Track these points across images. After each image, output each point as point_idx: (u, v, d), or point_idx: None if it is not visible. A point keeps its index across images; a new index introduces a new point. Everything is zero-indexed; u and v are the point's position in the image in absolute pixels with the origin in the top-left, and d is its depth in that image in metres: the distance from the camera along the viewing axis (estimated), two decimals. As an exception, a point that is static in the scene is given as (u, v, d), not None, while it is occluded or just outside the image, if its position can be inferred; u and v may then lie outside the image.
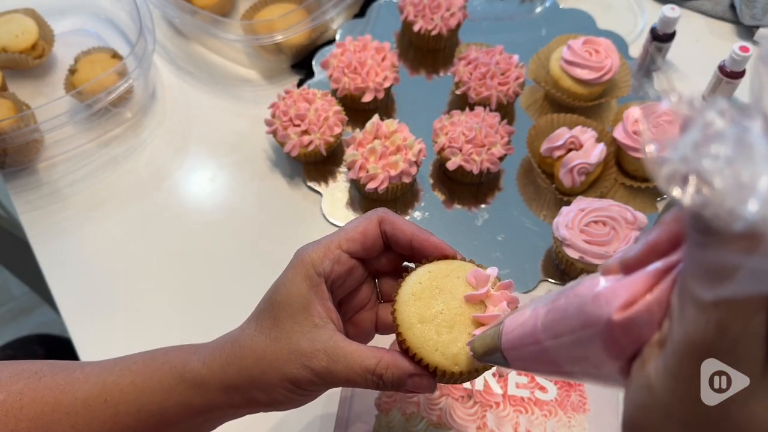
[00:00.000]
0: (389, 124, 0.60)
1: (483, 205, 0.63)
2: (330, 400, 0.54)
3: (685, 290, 0.19)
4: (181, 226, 0.63)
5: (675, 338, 0.20)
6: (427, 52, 0.72)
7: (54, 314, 0.59)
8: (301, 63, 0.72)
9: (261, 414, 0.53)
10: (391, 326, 0.37)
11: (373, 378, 0.35)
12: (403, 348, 0.35)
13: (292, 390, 0.36)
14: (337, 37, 0.74)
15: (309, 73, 0.71)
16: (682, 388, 0.20)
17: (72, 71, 0.68)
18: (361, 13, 0.76)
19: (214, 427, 0.39)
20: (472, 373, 0.35)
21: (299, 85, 0.70)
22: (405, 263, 0.40)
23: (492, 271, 0.36)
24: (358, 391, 0.53)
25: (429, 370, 0.35)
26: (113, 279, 0.60)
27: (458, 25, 0.70)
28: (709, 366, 0.19)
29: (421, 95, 0.70)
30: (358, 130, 0.62)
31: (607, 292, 0.23)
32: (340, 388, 0.53)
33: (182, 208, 0.64)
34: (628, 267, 0.23)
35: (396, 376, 0.35)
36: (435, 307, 0.35)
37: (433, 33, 0.68)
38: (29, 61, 0.69)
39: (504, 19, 0.76)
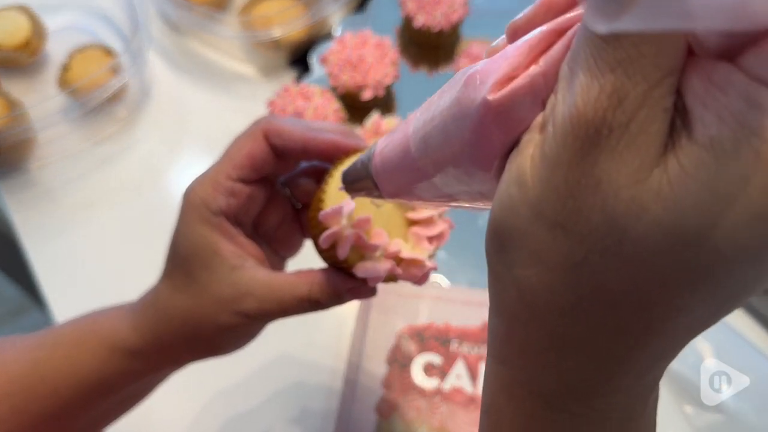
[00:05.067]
0: (390, 122, 0.59)
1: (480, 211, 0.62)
2: (329, 405, 0.53)
3: (579, 51, 0.15)
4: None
5: (559, 114, 0.15)
6: (428, 48, 0.71)
7: (46, 317, 0.58)
8: (299, 59, 0.71)
9: (258, 418, 0.53)
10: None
11: (310, 304, 0.33)
12: (342, 265, 0.33)
13: (230, 336, 0.34)
14: (337, 32, 0.72)
15: (307, 69, 0.70)
16: (560, 177, 0.15)
17: (65, 68, 0.67)
18: (360, 8, 0.74)
19: (163, 380, 0.39)
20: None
21: (297, 81, 0.69)
22: (305, 163, 0.37)
23: None
24: (358, 396, 0.52)
25: None
26: (108, 280, 0.59)
27: (460, 21, 0.68)
28: (592, 144, 0.15)
29: (423, 92, 0.68)
30: (357, 127, 0.60)
31: (483, 68, 0.18)
32: (340, 392, 0.52)
33: (178, 207, 0.63)
34: (516, 33, 0.18)
35: (332, 296, 0.33)
36: (365, 213, 0.32)
37: (435, 29, 0.67)
38: (22, 59, 0.67)
39: (507, 15, 0.75)
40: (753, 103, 0.13)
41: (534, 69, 0.17)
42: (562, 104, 0.15)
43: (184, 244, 0.34)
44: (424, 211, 0.33)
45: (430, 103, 0.21)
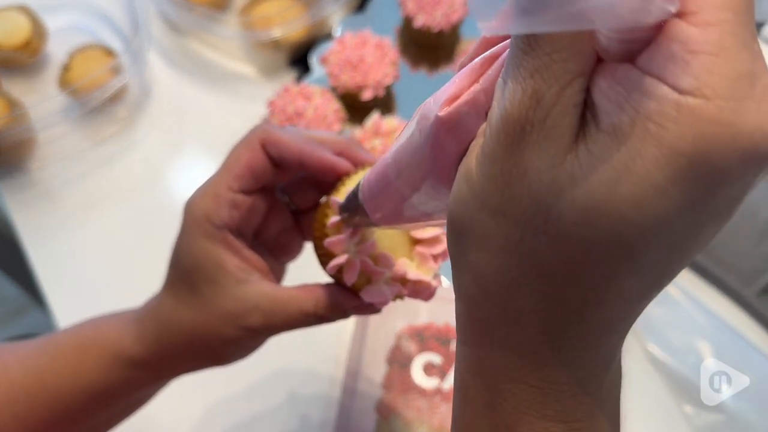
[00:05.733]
0: (390, 122, 0.59)
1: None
2: (329, 405, 0.53)
3: (508, 64, 0.17)
4: (177, 226, 0.61)
5: (493, 117, 0.18)
6: (428, 48, 0.71)
7: (47, 317, 0.58)
8: (299, 59, 0.71)
9: (258, 421, 0.53)
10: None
11: (315, 319, 0.33)
12: (349, 286, 0.33)
13: (234, 348, 0.34)
14: (337, 32, 0.72)
15: (307, 69, 0.70)
16: (497, 170, 0.18)
17: (66, 68, 0.67)
18: (360, 8, 0.74)
19: (162, 388, 0.39)
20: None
21: (297, 81, 0.69)
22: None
23: None
24: (357, 395, 0.52)
25: None
26: (108, 280, 0.59)
27: (460, 21, 0.68)
28: (519, 139, 0.17)
29: (423, 92, 0.68)
30: (357, 127, 0.60)
31: (437, 94, 0.21)
32: (340, 392, 0.52)
33: (178, 207, 0.63)
34: (464, 66, 0.21)
35: (338, 313, 0.33)
36: (370, 235, 0.32)
37: (435, 29, 0.67)
38: (22, 59, 0.67)
39: (506, 15, 0.75)
40: (646, 93, 0.15)
41: (475, 87, 0.20)
42: (496, 108, 0.18)
43: (188, 258, 0.33)
44: (429, 230, 0.33)
45: (403, 131, 0.23)
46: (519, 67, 0.17)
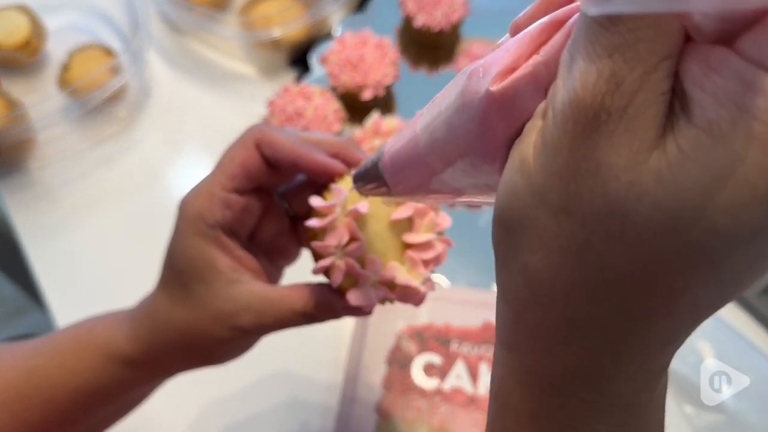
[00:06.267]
0: (390, 122, 0.59)
1: (485, 206, 0.62)
2: (329, 403, 0.53)
3: (578, 38, 0.15)
4: (177, 227, 0.62)
5: (558, 100, 0.15)
6: (428, 48, 0.71)
7: (46, 317, 0.58)
8: (299, 59, 0.71)
9: (257, 423, 0.53)
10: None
11: (305, 318, 0.33)
12: (335, 287, 0.33)
13: (226, 348, 0.34)
14: (337, 32, 0.72)
15: (307, 69, 0.70)
16: (561, 162, 0.15)
17: (65, 68, 0.66)
18: (360, 8, 0.74)
19: (157, 388, 0.39)
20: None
21: (297, 81, 0.69)
22: (302, 176, 0.36)
23: None
24: (357, 396, 0.52)
25: None
26: (107, 280, 0.59)
27: (460, 21, 0.68)
28: (591, 128, 0.15)
29: (423, 92, 0.68)
30: (357, 127, 0.60)
31: (486, 62, 0.18)
32: (340, 392, 0.52)
33: (177, 208, 0.63)
34: (518, 29, 0.18)
35: (327, 312, 0.33)
36: (359, 238, 0.32)
37: (435, 29, 0.67)
38: (22, 59, 0.67)
39: (507, 15, 0.74)
40: (749, 85, 0.13)
41: (536, 58, 0.17)
42: (562, 90, 0.15)
43: (181, 257, 0.33)
44: (422, 235, 0.33)
45: (436, 100, 0.21)
46: (594, 44, 0.14)
